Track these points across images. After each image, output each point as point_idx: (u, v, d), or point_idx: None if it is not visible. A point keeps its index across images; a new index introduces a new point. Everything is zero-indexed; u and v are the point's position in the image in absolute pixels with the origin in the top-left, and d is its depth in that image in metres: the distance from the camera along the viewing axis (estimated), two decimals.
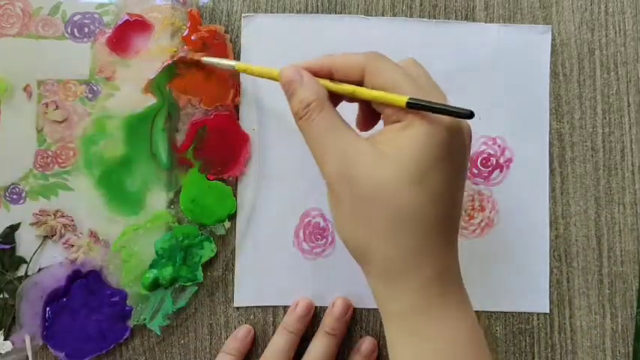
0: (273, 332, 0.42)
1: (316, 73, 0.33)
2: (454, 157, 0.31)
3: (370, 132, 0.36)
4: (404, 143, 0.30)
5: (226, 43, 0.42)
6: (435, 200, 0.30)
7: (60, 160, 0.42)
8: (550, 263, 0.42)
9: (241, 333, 0.42)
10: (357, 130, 0.34)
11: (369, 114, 0.35)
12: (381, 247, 0.30)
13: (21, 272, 0.41)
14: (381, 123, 0.34)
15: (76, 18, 0.42)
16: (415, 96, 0.30)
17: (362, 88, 0.32)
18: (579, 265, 0.43)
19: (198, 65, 0.41)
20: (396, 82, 0.31)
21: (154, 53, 0.42)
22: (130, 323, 0.42)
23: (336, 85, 0.33)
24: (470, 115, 0.29)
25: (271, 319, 0.42)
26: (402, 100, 0.30)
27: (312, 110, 0.32)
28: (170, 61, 0.41)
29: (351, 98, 0.34)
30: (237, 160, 0.42)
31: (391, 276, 0.30)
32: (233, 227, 0.42)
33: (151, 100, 0.42)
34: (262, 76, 0.37)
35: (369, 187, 0.30)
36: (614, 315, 0.43)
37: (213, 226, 0.42)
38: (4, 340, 0.41)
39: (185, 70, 0.42)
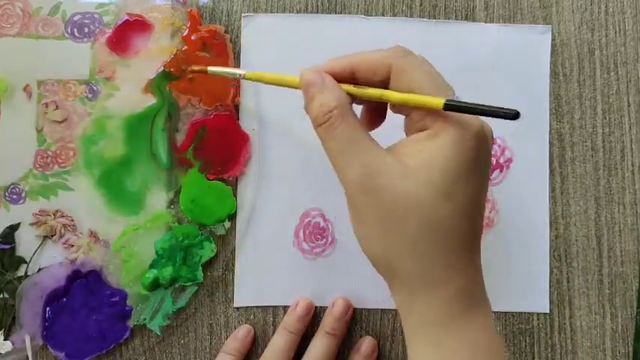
0: (273, 332, 0.42)
1: (338, 76, 0.32)
2: (481, 167, 0.30)
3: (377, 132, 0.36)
4: (432, 155, 0.29)
5: (226, 43, 0.42)
6: (463, 212, 0.29)
7: (60, 160, 0.42)
8: (550, 263, 0.42)
9: (241, 333, 0.41)
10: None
11: (375, 115, 0.34)
12: (408, 261, 0.29)
13: (21, 272, 0.41)
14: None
15: (76, 18, 0.42)
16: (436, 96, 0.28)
17: (390, 91, 0.30)
18: (579, 265, 0.43)
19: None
20: (424, 82, 0.30)
21: (154, 53, 0.42)
22: (130, 323, 0.42)
23: (360, 90, 0.31)
24: (516, 115, 0.27)
25: (271, 319, 0.42)
26: (439, 102, 0.28)
27: (335, 118, 0.30)
28: (169, 68, 0.41)
29: (363, 101, 0.33)
30: (237, 160, 0.42)
31: (418, 289, 0.29)
32: (233, 227, 0.42)
33: (151, 100, 0.42)
34: (275, 84, 0.35)
35: (395, 200, 0.28)
36: (614, 315, 0.43)
37: (213, 226, 0.42)
38: (4, 340, 0.41)
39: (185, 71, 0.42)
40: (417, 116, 0.30)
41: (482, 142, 0.29)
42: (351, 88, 0.31)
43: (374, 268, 0.31)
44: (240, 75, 0.38)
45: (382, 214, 0.29)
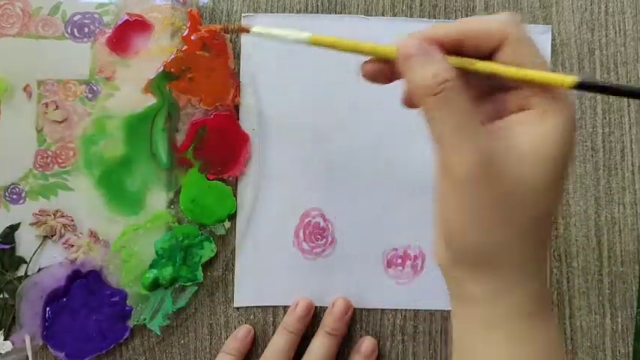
0: (273, 332, 0.42)
1: (441, 46, 0.27)
2: (573, 154, 0.27)
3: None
4: (544, 139, 0.26)
5: (226, 43, 0.42)
6: (559, 200, 0.27)
7: (60, 160, 0.42)
8: (550, 263, 0.42)
9: (241, 333, 0.41)
10: None
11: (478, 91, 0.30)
12: (515, 251, 0.27)
13: (21, 272, 0.41)
14: None
15: (76, 18, 0.42)
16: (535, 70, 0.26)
17: (504, 66, 0.27)
18: (579, 265, 0.43)
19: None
20: (534, 55, 0.27)
21: (154, 53, 0.42)
22: (130, 323, 0.42)
23: (468, 63, 0.27)
24: None
25: (271, 319, 0.42)
26: (571, 80, 0.25)
27: (450, 89, 0.26)
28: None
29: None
30: (237, 160, 0.42)
31: (515, 280, 0.28)
32: (233, 227, 0.42)
33: (151, 100, 0.42)
34: (354, 52, 0.29)
35: (511, 189, 0.26)
36: (614, 315, 0.43)
37: (213, 226, 0.42)
38: (4, 340, 0.41)
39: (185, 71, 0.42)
40: (522, 93, 0.27)
41: (574, 124, 0.28)
42: (457, 60, 0.27)
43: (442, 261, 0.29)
44: (305, 39, 0.30)
45: (494, 204, 0.27)
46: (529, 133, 0.27)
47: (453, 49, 0.28)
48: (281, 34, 0.31)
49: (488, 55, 0.28)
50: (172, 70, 0.41)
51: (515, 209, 0.27)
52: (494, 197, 0.26)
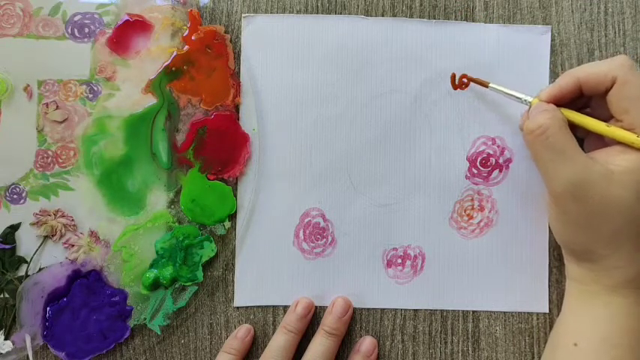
0: (273, 332, 0.42)
1: (565, 92, 0.37)
2: None
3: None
4: (635, 163, 0.35)
5: (226, 43, 0.42)
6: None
7: (60, 160, 0.42)
8: (550, 263, 0.43)
9: (241, 332, 0.42)
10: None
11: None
12: (607, 250, 0.36)
13: (21, 272, 0.41)
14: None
15: (76, 18, 0.42)
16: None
17: (615, 128, 0.36)
18: None
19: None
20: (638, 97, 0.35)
21: (154, 53, 0.42)
22: (131, 323, 0.42)
23: (581, 119, 0.37)
24: None
25: (271, 319, 0.42)
26: None
27: (547, 128, 0.36)
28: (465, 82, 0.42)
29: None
30: (237, 160, 0.42)
31: (610, 269, 0.36)
32: (233, 227, 0.42)
33: (151, 100, 0.42)
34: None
35: (601, 204, 0.35)
36: None
37: (213, 226, 0.42)
38: (5, 339, 0.41)
39: (185, 71, 0.42)
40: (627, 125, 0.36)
41: None
42: (573, 115, 0.37)
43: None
44: (527, 101, 0.39)
45: (588, 217, 0.36)
46: (626, 159, 0.35)
47: (574, 93, 0.37)
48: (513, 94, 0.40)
49: (604, 94, 0.36)
50: (173, 68, 0.41)
51: (604, 220, 0.35)
52: (580, 212, 0.36)
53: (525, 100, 0.39)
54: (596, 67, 0.36)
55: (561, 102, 0.38)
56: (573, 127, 0.37)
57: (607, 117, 0.37)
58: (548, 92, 0.38)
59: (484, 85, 0.41)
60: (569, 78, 0.37)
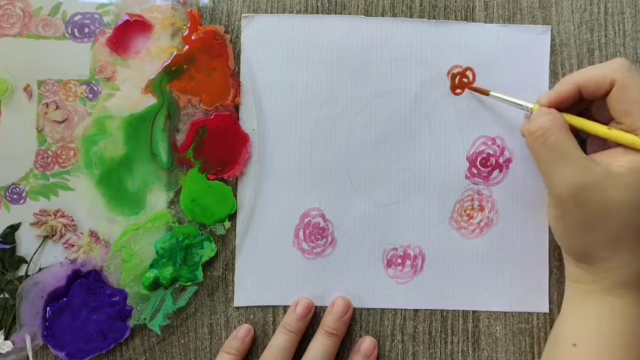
0: (273, 332, 0.42)
1: (565, 96, 0.37)
2: None
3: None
4: (633, 165, 0.35)
5: (226, 43, 0.42)
6: None
7: (60, 160, 0.42)
8: (550, 263, 0.43)
9: (241, 332, 0.42)
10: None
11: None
12: (605, 251, 0.36)
13: (21, 272, 0.41)
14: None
15: (76, 18, 0.42)
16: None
17: (616, 131, 0.36)
18: None
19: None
20: (637, 100, 0.35)
21: (154, 53, 0.42)
22: (131, 323, 0.42)
23: (582, 122, 0.37)
24: None
25: (271, 319, 0.42)
26: None
27: (547, 129, 0.36)
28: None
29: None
30: (237, 160, 0.42)
31: (609, 269, 0.37)
32: (233, 227, 0.42)
33: (151, 100, 0.42)
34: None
35: (602, 207, 0.35)
36: None
37: (213, 226, 0.42)
38: (5, 339, 0.41)
39: (185, 70, 0.42)
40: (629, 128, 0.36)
41: None
42: (574, 119, 0.37)
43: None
44: (527, 108, 0.39)
45: (588, 218, 0.36)
46: (629, 160, 0.35)
47: (575, 97, 0.37)
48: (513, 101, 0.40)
49: (604, 97, 0.36)
50: (173, 68, 0.41)
51: (604, 222, 0.35)
52: (580, 214, 0.36)
53: (526, 107, 0.39)
54: (595, 71, 0.36)
55: (562, 107, 0.38)
56: (575, 129, 0.37)
57: (608, 119, 0.37)
58: (548, 98, 0.38)
59: (485, 93, 0.41)
60: (568, 83, 0.37)
